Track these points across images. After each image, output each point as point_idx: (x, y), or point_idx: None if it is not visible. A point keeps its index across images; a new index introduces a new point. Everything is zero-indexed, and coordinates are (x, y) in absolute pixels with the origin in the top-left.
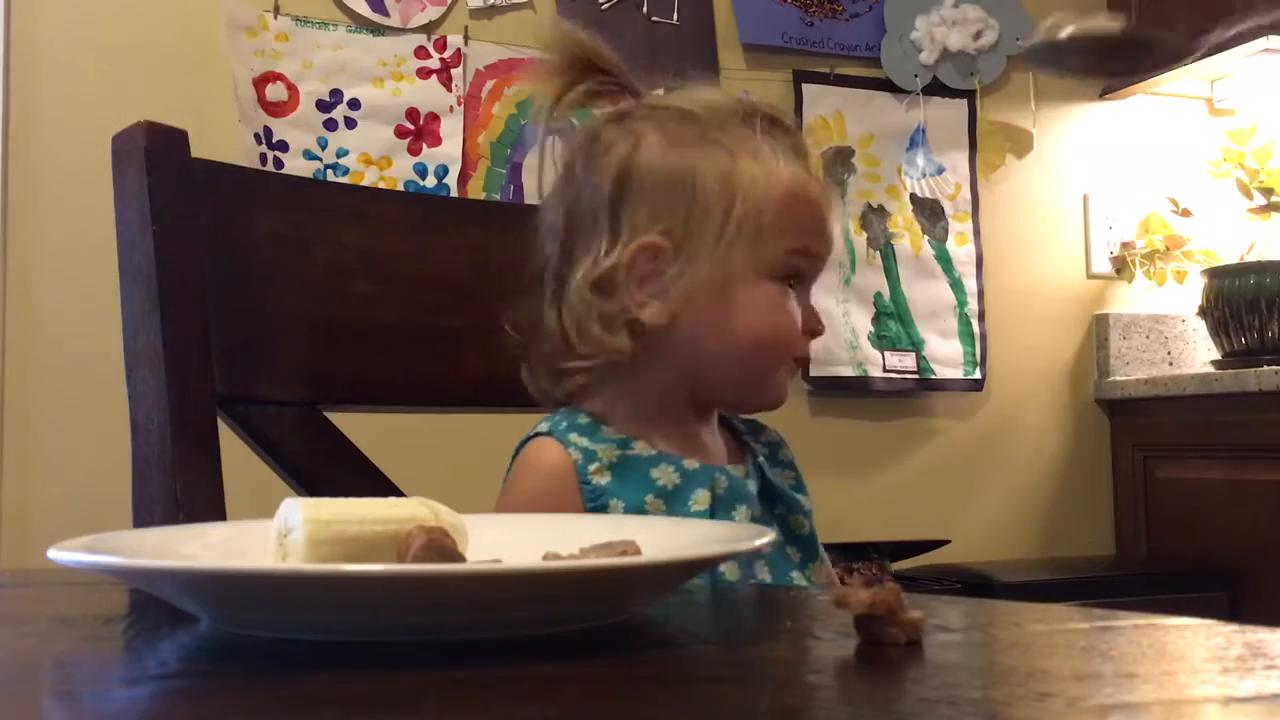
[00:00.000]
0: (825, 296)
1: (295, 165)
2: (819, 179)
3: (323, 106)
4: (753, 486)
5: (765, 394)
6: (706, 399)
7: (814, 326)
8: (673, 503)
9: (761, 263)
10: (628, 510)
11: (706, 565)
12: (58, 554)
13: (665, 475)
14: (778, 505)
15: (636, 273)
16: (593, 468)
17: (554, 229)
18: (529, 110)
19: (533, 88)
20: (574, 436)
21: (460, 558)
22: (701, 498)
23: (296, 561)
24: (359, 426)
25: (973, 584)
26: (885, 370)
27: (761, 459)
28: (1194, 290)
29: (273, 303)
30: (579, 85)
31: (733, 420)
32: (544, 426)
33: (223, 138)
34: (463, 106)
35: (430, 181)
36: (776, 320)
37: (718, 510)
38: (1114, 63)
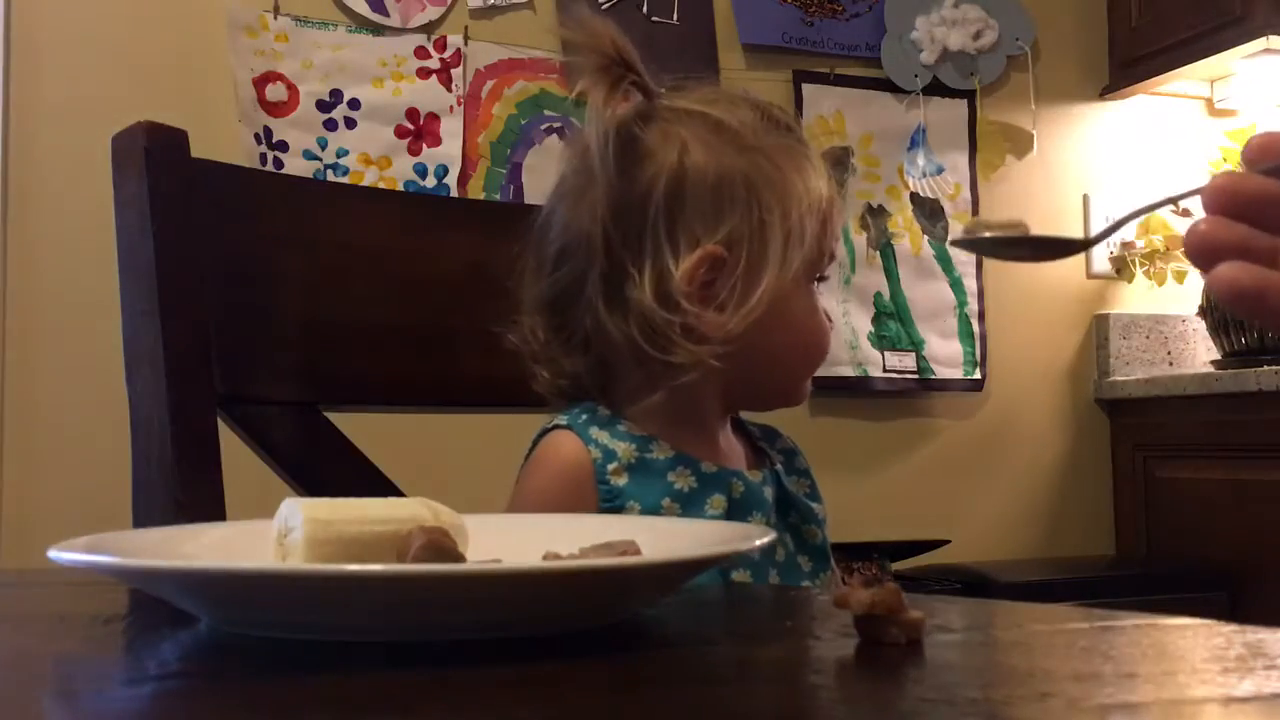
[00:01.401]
0: (825, 296)
1: (295, 165)
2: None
3: (323, 106)
4: (769, 493)
5: (798, 394)
6: (738, 400)
7: (829, 327)
8: (689, 507)
9: (809, 268)
10: (644, 513)
11: (706, 565)
12: (58, 554)
13: (682, 479)
14: (792, 513)
15: (698, 282)
16: (611, 467)
17: (590, 234)
18: (584, 112)
19: (583, 87)
20: (594, 431)
21: (460, 558)
22: (717, 502)
23: (296, 561)
24: (359, 426)
25: (973, 584)
26: (885, 370)
27: (779, 466)
28: (1194, 290)
29: (273, 303)
30: (622, 83)
31: (747, 425)
32: (563, 420)
33: (223, 138)
34: (463, 106)
35: (430, 181)
36: (822, 323)
37: (733, 516)
38: (1025, 250)
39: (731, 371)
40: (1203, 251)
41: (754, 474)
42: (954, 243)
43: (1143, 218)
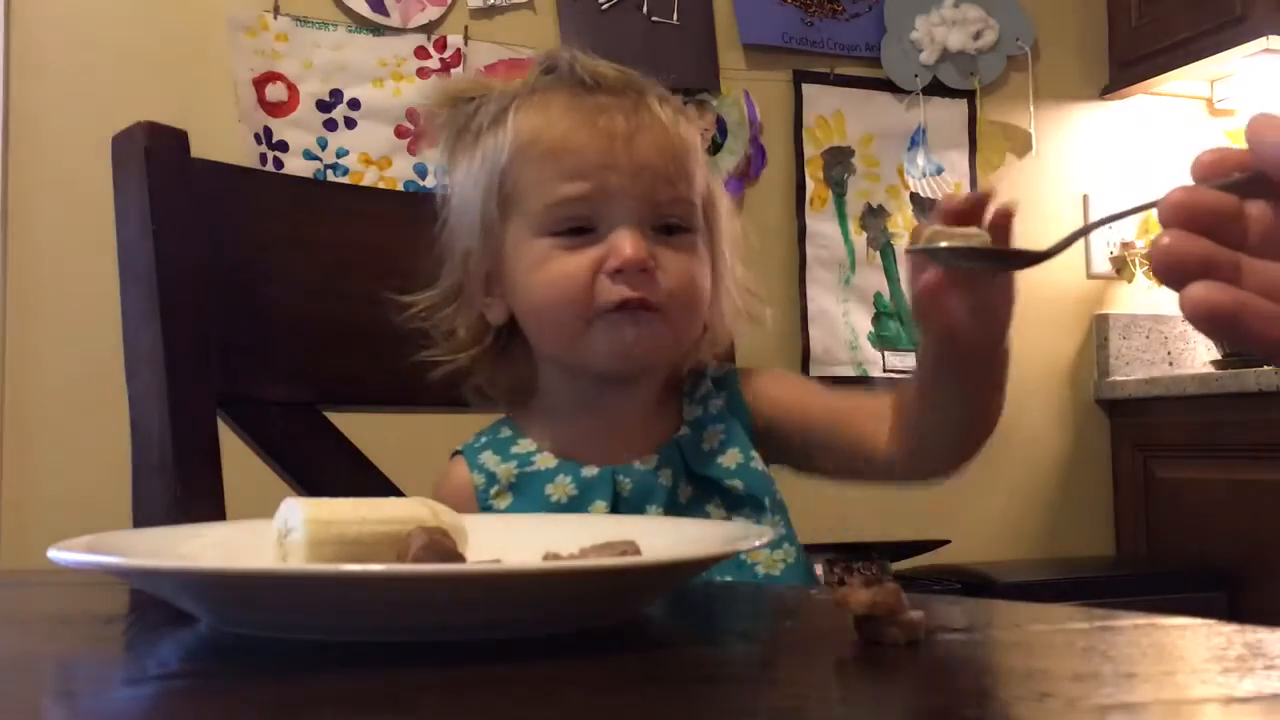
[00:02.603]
0: (825, 296)
1: (295, 165)
2: (594, 111)
3: (323, 106)
4: (666, 476)
5: (593, 355)
6: (574, 372)
7: (612, 265)
8: None
9: (529, 226)
10: None
11: (706, 565)
12: (58, 554)
13: (560, 489)
14: (706, 479)
15: (474, 281)
16: (493, 491)
17: None
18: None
19: (438, 145)
20: (484, 456)
21: (460, 558)
22: (597, 509)
23: (296, 561)
24: (359, 426)
25: (973, 584)
26: (885, 370)
27: (684, 431)
28: None
29: (273, 303)
30: (468, 122)
31: (684, 383)
32: (463, 445)
33: (223, 138)
34: None
35: (430, 182)
36: (541, 278)
37: (625, 514)
38: (982, 262)
39: (534, 349)
40: (1171, 267)
41: (646, 461)
42: (909, 251)
43: (1113, 222)
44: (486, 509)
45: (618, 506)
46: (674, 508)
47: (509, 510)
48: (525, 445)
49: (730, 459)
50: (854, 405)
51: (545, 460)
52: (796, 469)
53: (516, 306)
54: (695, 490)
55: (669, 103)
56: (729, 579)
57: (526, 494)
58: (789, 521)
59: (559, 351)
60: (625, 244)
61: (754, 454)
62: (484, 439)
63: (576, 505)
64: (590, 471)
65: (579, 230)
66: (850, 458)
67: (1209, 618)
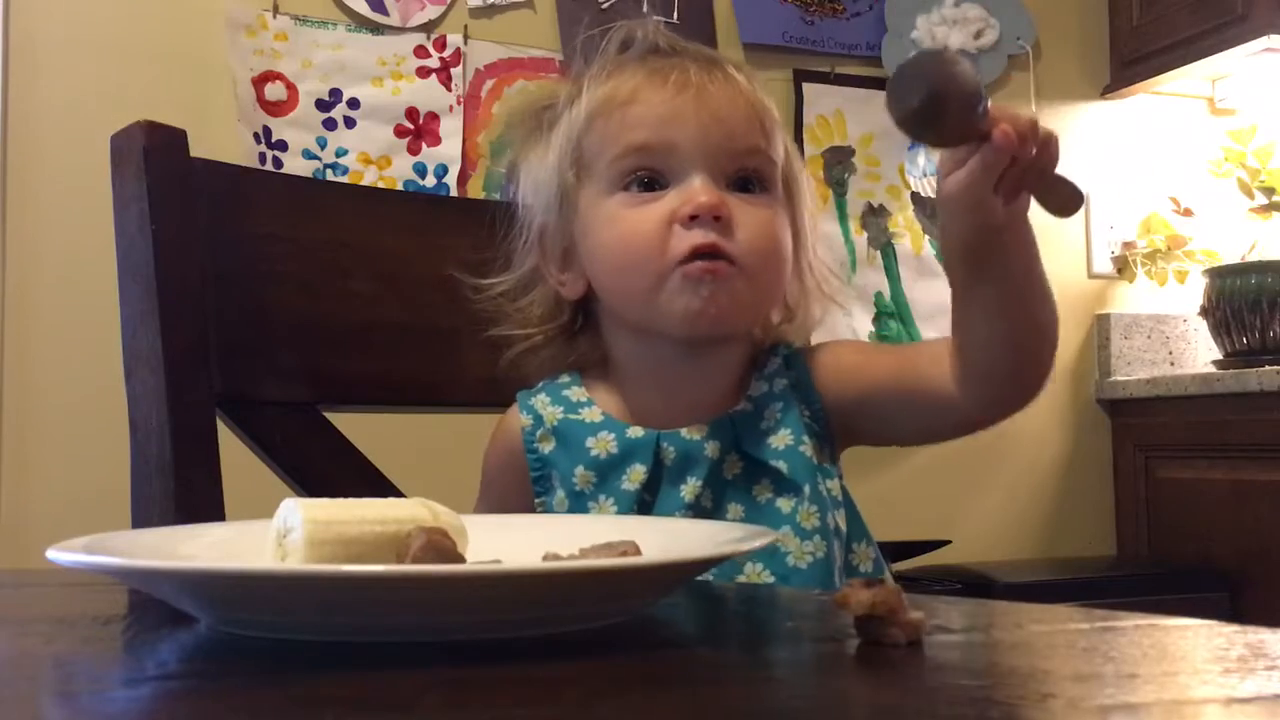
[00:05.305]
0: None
1: (295, 165)
2: (666, 68)
3: (322, 106)
4: (711, 450)
5: (667, 316)
6: (647, 333)
7: (685, 212)
8: (606, 477)
9: (602, 186)
10: (563, 483)
11: (706, 565)
12: (57, 554)
13: (602, 444)
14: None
15: (550, 258)
16: (539, 434)
17: None
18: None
19: (512, 156)
20: (537, 399)
21: (460, 558)
22: (635, 475)
23: (296, 562)
24: (359, 426)
25: (973, 584)
26: None
27: (744, 406)
28: (1195, 290)
29: (273, 303)
30: (541, 120)
31: (758, 358)
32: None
33: (223, 138)
34: (462, 106)
35: (430, 181)
36: (613, 234)
37: (664, 483)
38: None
39: (607, 311)
40: None
41: (694, 431)
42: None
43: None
44: (532, 452)
45: (658, 473)
46: (717, 482)
47: (551, 457)
48: (579, 394)
49: (780, 440)
50: (913, 354)
51: (592, 414)
52: (876, 441)
53: (592, 272)
54: (745, 468)
55: (744, 70)
56: (759, 565)
57: (569, 442)
58: (834, 515)
59: (634, 313)
60: (697, 189)
61: (805, 439)
62: (544, 385)
63: (616, 464)
64: (636, 433)
65: (650, 186)
66: (923, 412)
67: (1210, 618)
